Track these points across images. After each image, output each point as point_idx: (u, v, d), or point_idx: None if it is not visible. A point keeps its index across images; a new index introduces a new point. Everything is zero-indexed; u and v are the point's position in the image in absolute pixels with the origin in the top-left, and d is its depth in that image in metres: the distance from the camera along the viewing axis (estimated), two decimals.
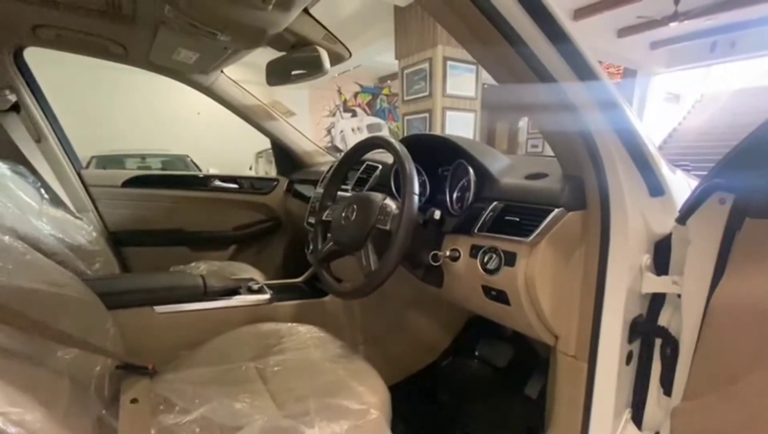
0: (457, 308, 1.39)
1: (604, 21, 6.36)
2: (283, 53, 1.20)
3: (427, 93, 4.65)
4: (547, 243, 0.75)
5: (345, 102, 9.59)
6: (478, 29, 0.59)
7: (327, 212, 1.02)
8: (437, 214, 0.84)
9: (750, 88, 10.02)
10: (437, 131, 4.65)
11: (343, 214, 0.91)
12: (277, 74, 1.18)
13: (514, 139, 10.56)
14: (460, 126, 4.83)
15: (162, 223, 1.75)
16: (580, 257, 0.77)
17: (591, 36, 6.58)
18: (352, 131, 9.03)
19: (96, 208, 1.60)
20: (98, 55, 1.40)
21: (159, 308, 0.99)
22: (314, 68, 1.07)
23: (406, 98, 4.97)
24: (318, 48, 1.06)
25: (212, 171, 6.03)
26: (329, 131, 9.29)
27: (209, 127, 8.08)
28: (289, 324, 1.07)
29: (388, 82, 9.85)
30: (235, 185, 1.89)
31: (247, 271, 1.60)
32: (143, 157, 5.94)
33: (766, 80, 9.69)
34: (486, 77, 4.95)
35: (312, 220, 1.38)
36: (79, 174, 1.56)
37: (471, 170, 0.90)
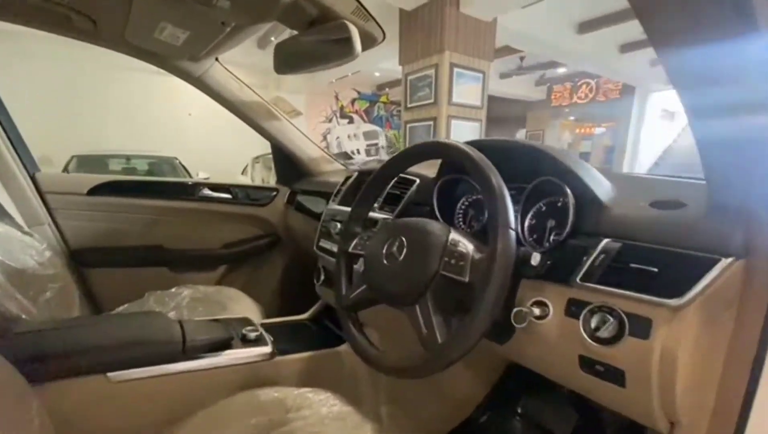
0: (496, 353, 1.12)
1: (608, 36, 6.26)
2: (296, 33, 0.92)
3: (431, 100, 4.42)
4: (699, 306, 0.50)
5: (342, 108, 9.35)
6: None
7: (356, 241, 0.74)
8: (536, 258, 0.56)
9: None
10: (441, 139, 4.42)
11: (385, 249, 0.63)
12: (289, 59, 0.90)
13: None
14: (465, 136, 4.60)
15: (137, 239, 1.44)
16: (729, 319, 0.53)
17: (594, 51, 6.47)
18: (348, 137, 8.78)
19: (53, 220, 1.29)
20: (60, 29, 1.11)
21: (115, 375, 0.70)
22: (342, 50, 0.79)
23: (409, 105, 4.73)
24: (347, 24, 0.79)
25: (202, 175, 5.72)
26: (325, 137, 9.03)
27: (201, 129, 7.75)
28: (297, 391, 0.78)
29: (387, 89, 9.65)
30: (227, 195, 1.59)
31: (238, 300, 1.31)
32: (128, 158, 5.56)
33: None
34: (491, 88, 4.76)
35: (325, 244, 1.10)
36: (32, 178, 1.25)
37: (569, 192, 0.63)
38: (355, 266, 0.77)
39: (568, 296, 0.60)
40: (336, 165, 1.74)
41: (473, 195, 0.85)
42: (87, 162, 5.18)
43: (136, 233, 1.44)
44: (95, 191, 1.35)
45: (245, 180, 5.79)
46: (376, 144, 8.94)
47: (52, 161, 5.13)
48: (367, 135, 9.10)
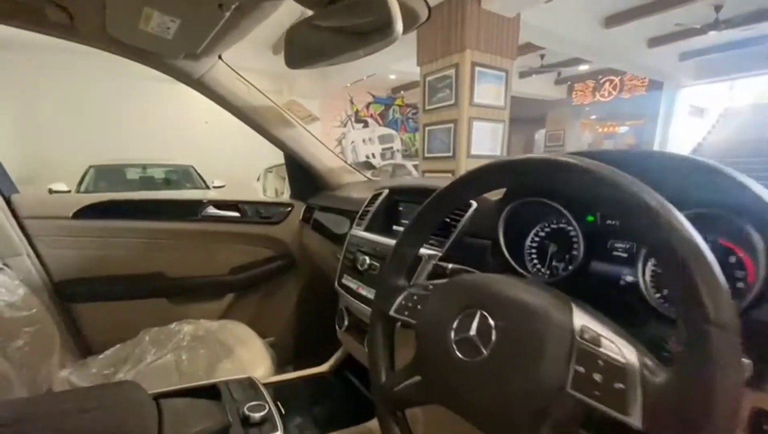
0: None
1: (635, 30, 5.90)
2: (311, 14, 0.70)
3: (452, 102, 4.17)
4: None
5: (357, 112, 9.17)
6: None
7: (400, 300, 0.51)
8: (748, 368, 0.31)
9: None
10: (463, 144, 4.17)
11: (455, 329, 0.40)
12: (305, 47, 0.68)
13: (528, 152, 10.08)
14: (487, 138, 4.34)
15: (132, 266, 1.25)
16: None
17: (620, 46, 6.11)
18: (363, 141, 8.60)
19: (33, 249, 1.10)
20: (34, 24, 0.92)
21: None
22: (378, 29, 0.57)
23: (427, 108, 4.49)
24: None
25: (217, 183, 5.58)
26: (340, 142, 8.87)
27: (217, 137, 7.66)
28: None
29: (402, 92, 9.44)
30: (235, 213, 1.39)
31: (245, 340, 1.10)
32: (144, 167, 5.48)
33: None
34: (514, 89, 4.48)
35: (349, 283, 0.87)
36: (8, 201, 1.07)
37: (757, 236, 0.39)
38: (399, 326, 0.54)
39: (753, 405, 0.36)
40: (358, 177, 1.52)
41: (551, 222, 0.61)
42: (104, 172, 5.11)
43: (131, 260, 1.24)
44: (82, 213, 1.16)
45: (259, 187, 5.60)
46: (392, 148, 8.72)
47: (33, 180, 5.02)
48: (383, 139, 8.90)
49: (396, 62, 6.46)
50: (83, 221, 1.16)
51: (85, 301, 1.17)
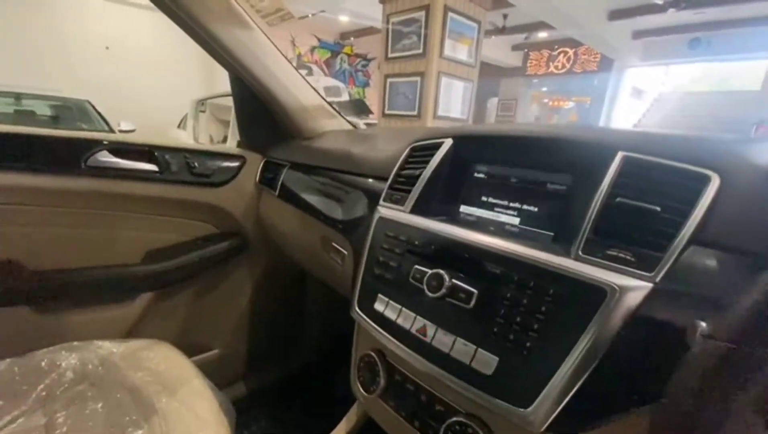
0: None
1: None
2: None
3: (419, 50, 3.74)
4: None
5: (299, 57, 8.25)
6: None
7: None
8: None
9: (696, 92, 10.46)
10: (430, 101, 3.80)
11: None
12: None
13: (479, 121, 10.05)
14: (454, 97, 4.02)
15: None
16: None
17: (584, 13, 6.05)
18: None
19: None
20: None
21: None
22: None
23: (390, 55, 4.00)
24: None
25: (124, 126, 4.51)
26: None
27: (122, 69, 6.36)
28: None
29: (351, 39, 8.65)
30: (152, 166, 0.89)
31: (180, 385, 0.68)
32: (18, 96, 4.28)
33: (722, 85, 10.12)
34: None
35: (386, 311, 0.49)
36: None
37: None
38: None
39: None
40: (342, 123, 1.09)
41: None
42: None
43: None
44: None
45: (184, 137, 4.68)
46: (338, 102, 8.06)
47: None
48: (328, 91, 8.12)
49: None
50: None
51: None
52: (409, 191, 0.54)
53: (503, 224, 0.48)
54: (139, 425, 0.58)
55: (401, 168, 0.58)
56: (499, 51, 8.76)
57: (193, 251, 0.98)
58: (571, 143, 0.43)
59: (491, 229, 0.46)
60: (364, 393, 0.54)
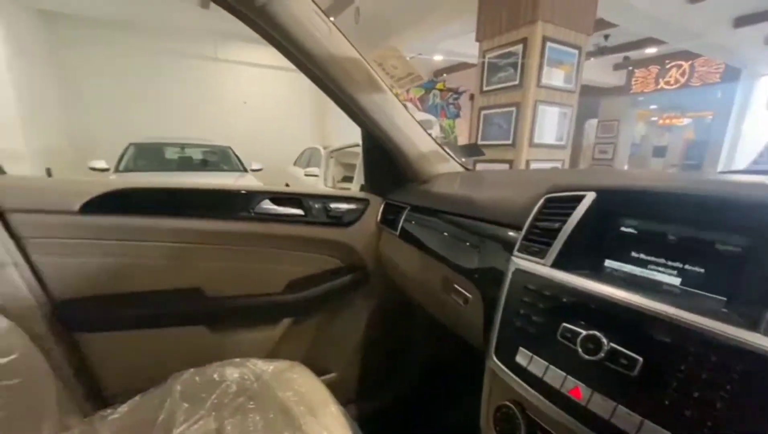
0: None
1: (722, 5, 5.09)
2: None
3: (516, 82, 3.65)
4: None
5: (396, 97, 8.65)
6: None
7: None
8: None
9: None
10: (525, 130, 3.65)
11: None
12: None
13: (577, 144, 9.28)
14: (553, 125, 3.81)
15: (160, 281, 0.90)
16: None
17: (703, 24, 5.30)
18: None
19: (26, 255, 0.76)
20: None
21: None
22: None
23: (485, 89, 3.97)
24: None
25: (255, 166, 5.24)
26: None
27: (254, 119, 7.43)
28: None
29: (444, 75, 8.82)
30: (299, 211, 1.01)
31: (313, 401, 0.73)
32: (183, 146, 5.25)
33: None
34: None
35: (538, 367, 0.47)
36: None
37: None
38: None
39: None
40: (454, 165, 1.11)
41: None
42: (144, 150, 4.91)
43: (157, 272, 0.89)
44: (93, 206, 0.81)
45: (298, 173, 5.22)
46: (454, 146, 8.18)
47: (20, 154, 4.83)
48: (422, 124, 8.36)
49: (444, 40, 5.92)
50: (94, 217, 0.81)
51: (93, 330, 0.83)
52: (547, 244, 0.52)
53: (660, 283, 0.43)
54: (288, 428, 0.64)
55: (536, 219, 0.57)
56: (599, 72, 8.09)
57: (323, 283, 1.07)
58: (751, 205, 0.37)
59: (648, 289, 0.42)
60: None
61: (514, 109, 3.72)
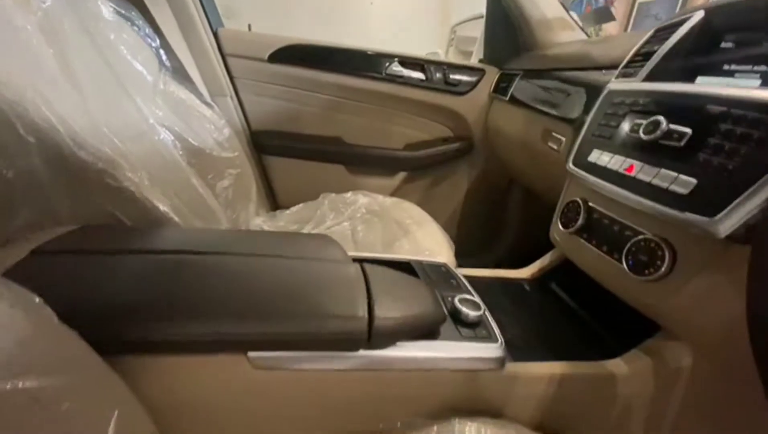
0: None
1: None
2: None
3: None
4: None
5: None
6: None
7: None
8: None
9: None
10: None
11: None
12: None
13: None
14: None
15: (317, 126, 1.13)
16: None
17: None
18: None
19: (235, 91, 1.04)
20: None
21: (258, 356, 0.37)
22: None
23: None
24: None
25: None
26: None
27: (383, 18, 7.18)
28: None
29: None
30: (422, 75, 1.11)
31: (421, 222, 0.92)
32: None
33: None
34: None
35: (605, 161, 0.54)
36: (215, 35, 0.99)
37: None
38: None
39: None
40: (578, 34, 1.04)
41: None
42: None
43: (317, 118, 1.12)
44: (277, 56, 1.03)
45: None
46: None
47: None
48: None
49: None
50: (278, 66, 1.04)
51: (276, 154, 1.13)
52: (642, 64, 0.54)
53: (740, 85, 0.44)
54: (404, 238, 0.84)
55: (640, 48, 0.57)
56: None
57: (434, 147, 1.19)
58: None
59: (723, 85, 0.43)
60: (562, 229, 0.59)
61: None
